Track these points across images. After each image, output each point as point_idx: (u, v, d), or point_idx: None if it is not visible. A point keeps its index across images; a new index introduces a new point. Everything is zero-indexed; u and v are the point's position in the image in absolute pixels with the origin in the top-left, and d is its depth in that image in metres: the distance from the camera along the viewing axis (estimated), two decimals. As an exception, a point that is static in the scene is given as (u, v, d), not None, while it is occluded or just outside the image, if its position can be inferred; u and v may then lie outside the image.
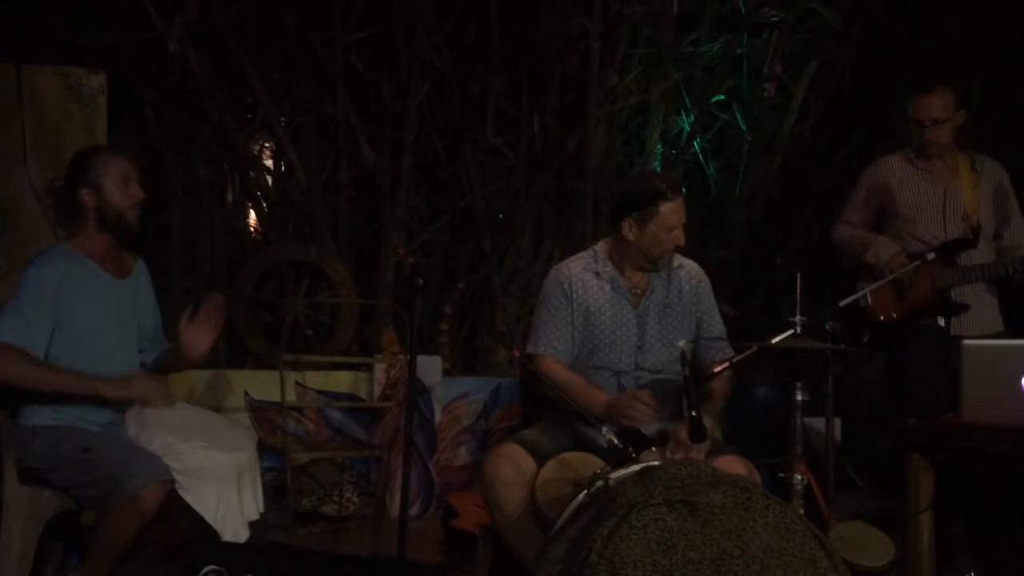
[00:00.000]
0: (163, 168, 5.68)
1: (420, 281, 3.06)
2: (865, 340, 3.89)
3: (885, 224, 3.99)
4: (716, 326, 3.26)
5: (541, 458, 2.92)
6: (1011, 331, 3.85)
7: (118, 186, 3.10)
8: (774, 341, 3.00)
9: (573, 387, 3.06)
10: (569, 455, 2.91)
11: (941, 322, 3.80)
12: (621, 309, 3.17)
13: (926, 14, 5.98)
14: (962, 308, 3.78)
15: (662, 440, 2.96)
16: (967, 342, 3.07)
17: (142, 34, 5.23)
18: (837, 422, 4.79)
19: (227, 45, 5.56)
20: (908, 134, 3.94)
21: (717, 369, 3.05)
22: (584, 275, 3.20)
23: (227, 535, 2.90)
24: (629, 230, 3.13)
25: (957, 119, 3.84)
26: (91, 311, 3.08)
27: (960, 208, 3.83)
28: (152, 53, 5.39)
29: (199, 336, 3.17)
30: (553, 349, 3.16)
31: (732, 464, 2.90)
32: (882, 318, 3.87)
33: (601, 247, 3.25)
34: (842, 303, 3.44)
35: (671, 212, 3.06)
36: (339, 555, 3.18)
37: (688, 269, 3.28)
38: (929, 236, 3.85)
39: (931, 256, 3.69)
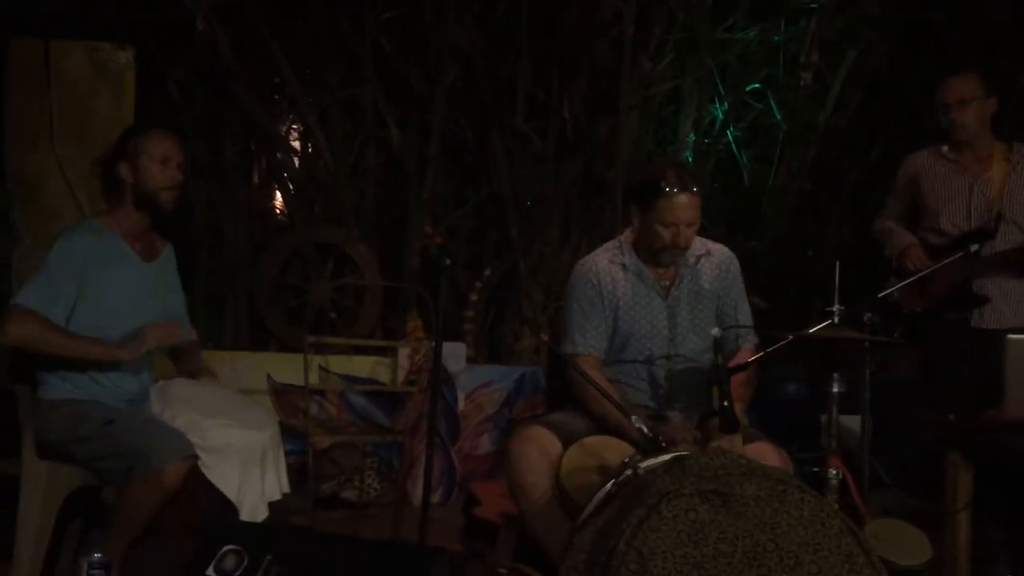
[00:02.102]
0: (189, 147, 5.64)
1: (447, 261, 3.00)
2: (896, 334, 3.81)
3: (919, 218, 3.92)
4: (743, 314, 3.17)
5: (567, 439, 2.84)
6: None
7: (156, 164, 3.07)
8: (812, 330, 2.91)
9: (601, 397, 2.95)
10: (593, 439, 2.84)
11: (969, 315, 3.71)
12: (651, 302, 3.09)
13: (969, 3, 5.85)
14: (982, 300, 3.68)
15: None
16: (1011, 336, 2.97)
17: (171, 11, 5.18)
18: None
19: (256, 24, 5.51)
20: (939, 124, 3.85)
21: (751, 359, 2.97)
22: (611, 269, 3.11)
23: (245, 514, 2.87)
24: (635, 219, 3.07)
25: (988, 106, 3.76)
26: (115, 290, 3.04)
27: (987, 199, 3.74)
28: (181, 30, 5.34)
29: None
30: (592, 347, 3.07)
31: (763, 450, 2.82)
32: (907, 312, 3.80)
33: (626, 236, 3.17)
34: (881, 294, 3.35)
35: (668, 207, 2.94)
36: (360, 539, 3.13)
37: (716, 255, 3.18)
38: (954, 229, 3.76)
39: (974, 248, 3.59)
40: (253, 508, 2.93)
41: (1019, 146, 3.82)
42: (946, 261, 3.60)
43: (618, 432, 2.87)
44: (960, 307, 3.73)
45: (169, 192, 3.10)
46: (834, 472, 2.90)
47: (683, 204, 2.93)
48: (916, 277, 3.63)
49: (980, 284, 3.72)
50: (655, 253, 3.04)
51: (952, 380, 3.64)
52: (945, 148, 3.85)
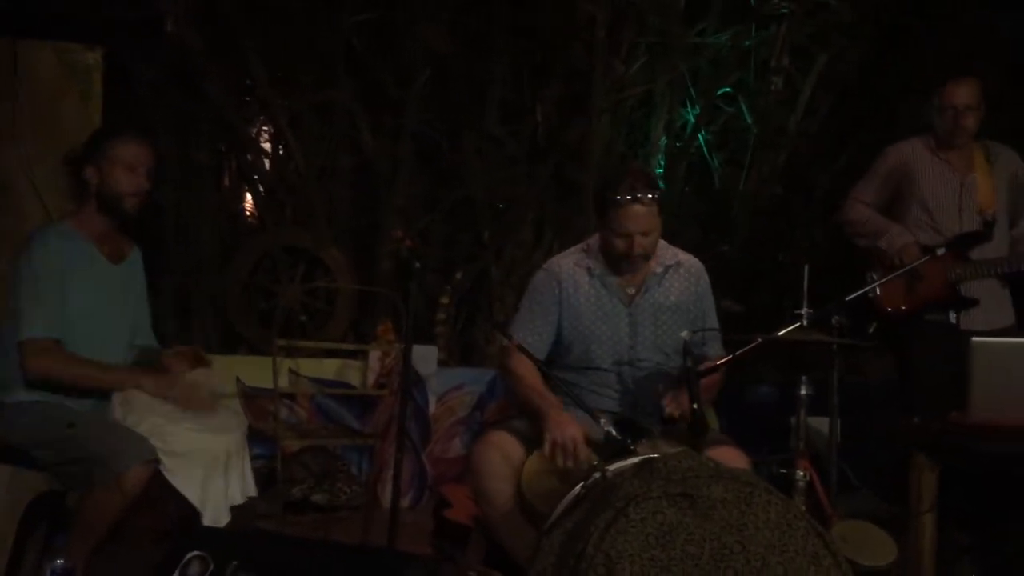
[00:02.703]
0: (158, 148, 5.58)
1: (417, 264, 2.98)
2: (871, 331, 3.82)
3: (898, 208, 3.93)
4: (711, 323, 3.18)
5: (530, 446, 2.84)
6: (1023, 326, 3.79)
7: (122, 170, 3.02)
8: (780, 333, 2.92)
9: (529, 386, 2.96)
10: None
11: (952, 317, 3.75)
12: (613, 308, 3.08)
13: (939, 10, 5.91)
14: (972, 303, 3.73)
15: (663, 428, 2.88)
16: (976, 339, 3.00)
17: (141, 11, 5.14)
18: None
19: (227, 25, 5.47)
20: (934, 122, 3.86)
21: (720, 362, 2.97)
22: (576, 272, 3.10)
23: (207, 519, 2.84)
24: (599, 227, 3.06)
25: (982, 111, 3.82)
26: (87, 294, 3.02)
27: (975, 201, 3.78)
28: (151, 30, 5.30)
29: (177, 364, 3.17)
30: (525, 342, 3.05)
31: (729, 455, 2.82)
32: (890, 310, 3.81)
33: (595, 240, 3.15)
34: (849, 297, 3.36)
35: (621, 217, 2.92)
36: (327, 543, 3.11)
37: (687, 267, 3.16)
38: (943, 227, 3.80)
39: (941, 252, 3.61)
40: (216, 513, 2.91)
41: (994, 146, 3.88)
42: (917, 262, 3.61)
43: (539, 419, 2.85)
44: (948, 308, 3.75)
45: (133, 199, 3.06)
46: (802, 474, 2.91)
47: (635, 214, 2.91)
48: (898, 274, 3.63)
49: (968, 286, 3.75)
50: (615, 261, 3.04)
51: (938, 382, 3.65)
52: (933, 144, 3.87)
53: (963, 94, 3.77)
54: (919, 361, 3.80)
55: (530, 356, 2.92)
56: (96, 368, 2.98)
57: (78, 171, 3.06)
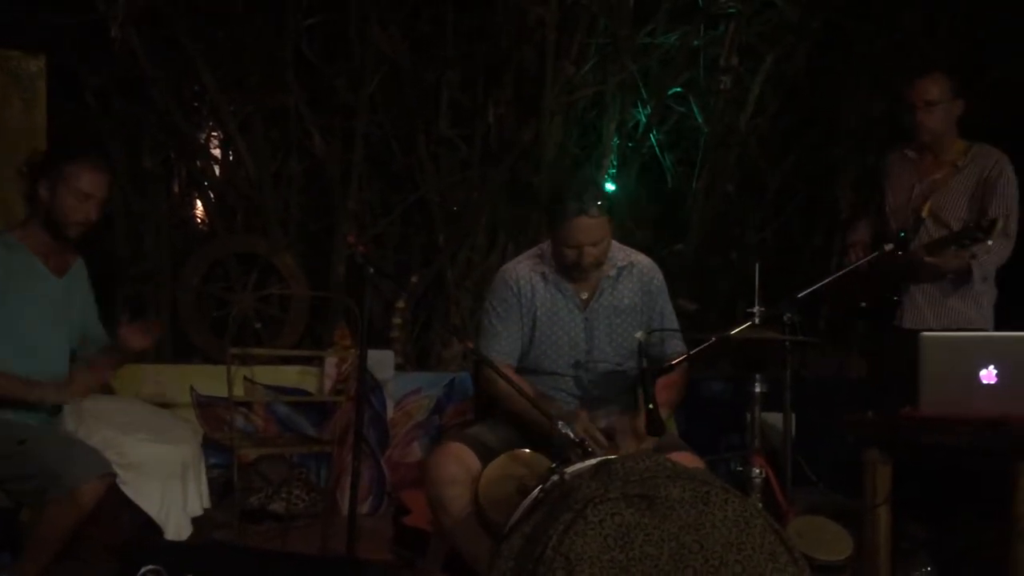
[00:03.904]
0: (106, 156, 5.51)
1: (371, 270, 2.97)
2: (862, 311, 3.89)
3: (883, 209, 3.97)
4: (669, 321, 3.17)
5: (487, 456, 2.83)
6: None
7: (73, 198, 2.97)
8: (733, 332, 2.94)
9: (519, 410, 2.93)
10: (512, 454, 2.83)
11: (898, 315, 3.78)
12: (568, 314, 3.08)
13: (883, 11, 6.00)
14: (889, 300, 3.74)
15: (610, 434, 2.89)
16: (925, 334, 3.04)
17: (84, 17, 5.06)
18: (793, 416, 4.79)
19: (174, 30, 5.41)
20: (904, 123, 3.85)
21: (674, 362, 2.98)
22: (532, 277, 3.10)
23: (170, 531, 2.81)
24: (550, 237, 3.07)
25: (954, 107, 3.70)
26: (27, 306, 2.97)
27: (925, 203, 3.76)
28: (96, 37, 5.22)
29: (134, 336, 3.11)
30: (504, 355, 3.06)
31: (685, 460, 2.83)
32: (862, 303, 3.87)
33: (547, 245, 3.14)
34: (801, 294, 3.38)
35: (569, 229, 2.93)
36: (284, 554, 3.09)
37: (640, 267, 3.16)
38: (893, 229, 3.80)
39: (889, 247, 3.64)
40: (177, 525, 2.88)
41: (978, 147, 3.75)
42: (849, 267, 3.65)
43: (542, 431, 2.86)
44: (880, 305, 3.78)
45: (78, 227, 3.01)
46: (757, 471, 2.94)
47: (583, 226, 2.92)
48: (831, 279, 3.66)
49: (921, 285, 3.69)
50: (566, 270, 3.05)
51: (883, 380, 3.68)
52: (910, 147, 3.87)
53: (920, 91, 3.68)
54: (872, 359, 3.84)
55: (492, 366, 2.92)
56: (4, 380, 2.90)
57: (33, 181, 3.01)
